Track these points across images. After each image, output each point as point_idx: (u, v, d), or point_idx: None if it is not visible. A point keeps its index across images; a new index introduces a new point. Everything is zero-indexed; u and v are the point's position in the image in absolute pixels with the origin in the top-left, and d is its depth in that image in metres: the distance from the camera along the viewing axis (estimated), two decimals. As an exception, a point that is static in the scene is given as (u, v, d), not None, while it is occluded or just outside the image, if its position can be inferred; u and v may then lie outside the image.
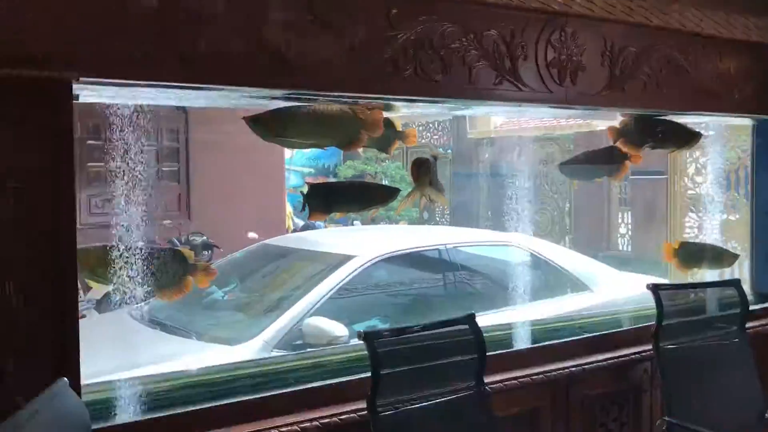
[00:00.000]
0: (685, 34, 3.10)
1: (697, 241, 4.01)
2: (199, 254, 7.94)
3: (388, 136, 2.59)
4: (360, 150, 12.34)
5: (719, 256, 3.81)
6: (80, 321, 1.85)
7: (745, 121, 3.85)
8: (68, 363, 1.80)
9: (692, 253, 3.80)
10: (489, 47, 2.51)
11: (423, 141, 13.12)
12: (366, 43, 2.24)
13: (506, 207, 4.58)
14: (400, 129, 2.68)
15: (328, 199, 2.57)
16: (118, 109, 2.15)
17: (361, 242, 5.01)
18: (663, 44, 3.03)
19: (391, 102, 2.46)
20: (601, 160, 3.47)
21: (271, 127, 2.25)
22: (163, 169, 9.42)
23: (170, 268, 2.20)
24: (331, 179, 14.97)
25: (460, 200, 12.08)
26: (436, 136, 12.98)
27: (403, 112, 2.75)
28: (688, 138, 3.47)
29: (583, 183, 10.32)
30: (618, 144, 3.39)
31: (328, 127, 2.36)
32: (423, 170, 2.70)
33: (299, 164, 14.97)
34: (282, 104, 2.33)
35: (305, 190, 2.53)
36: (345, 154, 14.01)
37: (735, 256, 3.85)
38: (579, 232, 10.62)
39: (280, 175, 10.52)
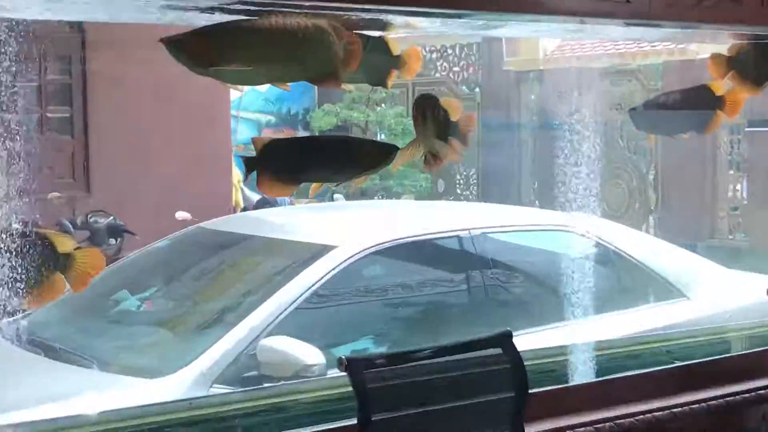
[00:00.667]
0: None
1: None
2: (103, 242, 7.96)
3: (380, 63, 2.59)
4: (346, 88, 12.33)
5: None
6: None
7: None
8: None
9: None
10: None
11: (438, 75, 13.12)
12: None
13: (561, 174, 4.61)
14: (398, 53, 2.67)
15: (291, 164, 2.54)
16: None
17: (344, 225, 5.02)
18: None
19: (386, 15, 2.46)
20: (685, 106, 3.49)
21: (202, 51, 2.23)
22: (48, 115, 9.42)
23: (31, 261, 2.18)
24: (300, 133, 14.99)
25: (493, 163, 12.09)
26: (458, 68, 12.96)
27: (405, 31, 2.75)
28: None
29: (672, 140, 10.33)
30: (729, 79, 3.39)
31: (292, 51, 2.34)
32: (428, 111, 2.70)
33: (253, 109, 14.95)
34: (221, 19, 2.32)
35: (255, 149, 2.51)
36: (320, 93, 13.99)
37: None
38: (669, 212, 10.65)
39: (223, 126, 10.49)
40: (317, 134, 12.59)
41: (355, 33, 2.43)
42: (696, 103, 3.47)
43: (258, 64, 2.32)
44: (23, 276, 2.20)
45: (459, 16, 2.60)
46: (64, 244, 2.31)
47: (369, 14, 2.44)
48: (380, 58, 2.57)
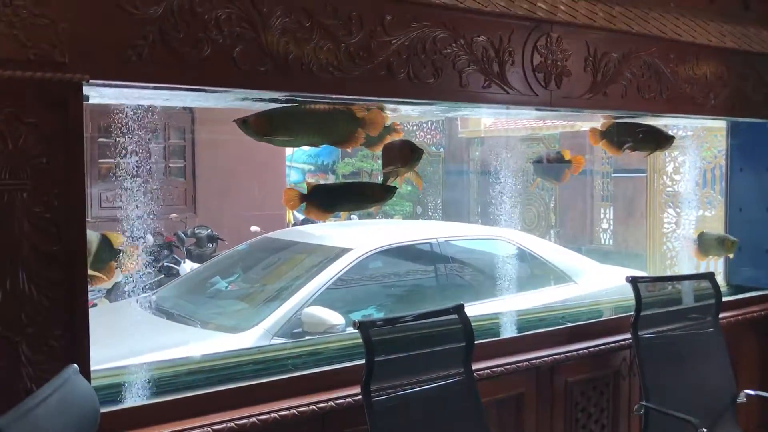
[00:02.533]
0: (665, 41, 3.10)
1: (711, 231, 4.05)
2: (204, 246, 7.95)
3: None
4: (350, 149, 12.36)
5: (725, 243, 3.86)
6: (90, 309, 1.85)
7: (721, 123, 3.86)
8: (78, 349, 1.80)
9: (707, 241, 3.86)
10: (478, 52, 2.51)
11: (417, 140, 13.12)
12: (362, 48, 2.25)
13: (495, 203, 4.59)
14: (387, 124, 2.66)
15: (327, 200, 2.58)
16: (127, 108, 2.15)
17: (357, 235, 5.02)
18: (643, 50, 3.03)
19: (384, 103, 2.46)
20: (552, 164, 3.51)
21: (259, 127, 2.25)
22: (171, 165, 9.42)
23: (100, 254, 2.14)
24: (330, 176, 15.00)
25: (452, 196, 12.11)
26: (429, 135, 12.98)
27: (397, 112, 2.76)
28: (663, 141, 3.49)
29: (570, 181, 10.36)
30: (602, 145, 3.39)
31: (320, 126, 2.36)
32: (414, 154, 2.68)
33: (300, 161, 14.97)
34: (276, 106, 2.33)
35: (306, 189, 2.55)
36: (343, 151, 14.04)
37: (735, 242, 3.87)
38: (563, 227, 10.64)
39: (281, 172, 10.53)
40: (342, 179, 12.60)
41: (337, 108, 2.40)
42: (557, 162, 3.49)
43: (295, 135, 2.34)
44: (93, 263, 2.11)
45: (429, 105, 2.61)
46: (117, 241, 2.17)
47: (372, 104, 2.45)
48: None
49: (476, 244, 5.17)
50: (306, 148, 11.19)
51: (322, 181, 14.79)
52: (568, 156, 3.42)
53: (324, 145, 2.47)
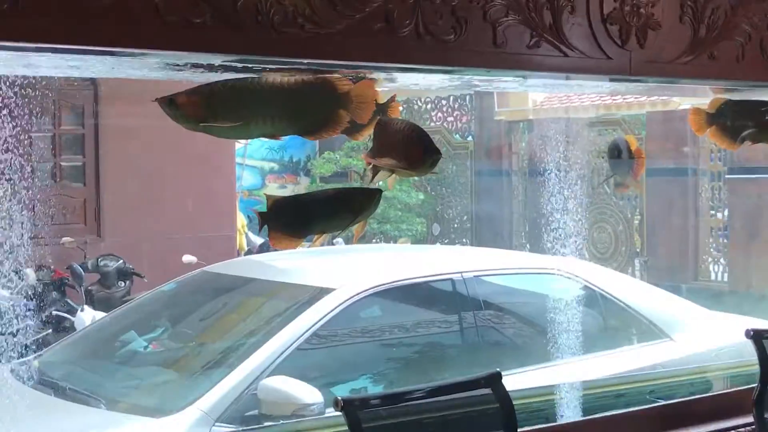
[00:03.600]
0: (801, -23, 3.12)
1: None
2: (113, 284, 7.95)
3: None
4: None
5: None
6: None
7: None
8: None
9: None
10: (521, -5, 2.53)
11: (432, 125, 13.20)
12: (347, -10, 2.26)
13: (550, 219, 4.61)
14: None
15: (295, 220, 2.61)
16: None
17: (342, 269, 5.02)
18: (769, -9, 3.05)
19: (380, 71, 2.47)
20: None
21: (193, 109, 2.27)
22: (62, 164, 9.45)
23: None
24: (302, 179, 15.04)
25: (486, 209, 12.12)
26: (451, 118, 13.03)
27: (396, 82, 2.77)
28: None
29: (662, 186, 10.41)
30: (709, 134, 3.40)
31: (282, 108, 2.38)
32: (426, 157, 2.69)
33: (257, 157, 14.99)
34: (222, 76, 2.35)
35: (264, 207, 2.57)
36: (321, 141, 14.05)
37: None
38: (654, 255, 10.65)
39: (228, 174, 10.54)
40: (319, 185, 12.66)
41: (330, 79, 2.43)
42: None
43: (248, 121, 2.36)
44: None
45: (447, 74, 2.62)
46: None
47: (361, 70, 2.47)
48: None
49: (522, 281, 5.16)
50: (264, 139, 11.21)
51: (290, 187, 14.75)
52: (634, 145, 3.43)
53: (289, 136, 2.48)
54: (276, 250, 9.42)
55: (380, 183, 2.77)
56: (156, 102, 2.27)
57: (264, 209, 2.60)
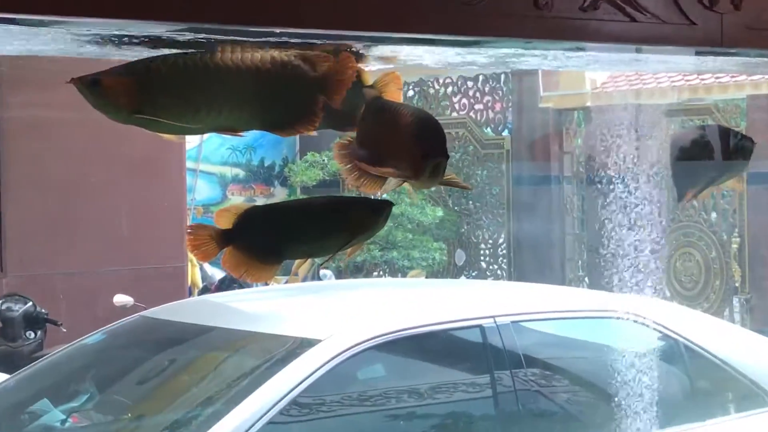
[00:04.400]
0: None
1: None
2: (19, 336, 7.95)
3: (352, 100, 2.59)
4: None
5: None
6: None
7: None
8: None
9: None
10: (572, -61, 2.56)
11: (455, 115, 13.23)
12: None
13: (616, 243, 4.63)
14: (370, 84, 2.65)
15: (270, 239, 2.64)
16: None
17: (332, 312, 5.02)
18: None
19: (372, 42, 2.50)
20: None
21: (122, 94, 2.30)
22: (-50, 172, 9.47)
23: None
24: (277, 190, 15.06)
25: (528, 229, 12.10)
26: (480, 105, 13.03)
27: (396, 59, 2.79)
28: None
29: (763, 199, 10.39)
30: None
31: (241, 93, 2.41)
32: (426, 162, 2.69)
33: (215, 161, 15.02)
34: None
35: (225, 218, 2.60)
36: (302, 139, 13.98)
37: None
38: (759, 291, 10.65)
39: (177, 184, 10.54)
40: (300, 195, 12.68)
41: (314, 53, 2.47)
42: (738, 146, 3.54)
43: (196, 110, 2.39)
44: None
45: (476, 44, 2.64)
46: None
47: (358, 42, 2.49)
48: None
49: (577, 328, 5.20)
50: (223, 135, 11.21)
51: (261, 200, 14.70)
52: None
53: (251, 131, 2.50)
54: (239, 285, 9.43)
55: (384, 196, 2.80)
56: (72, 84, 2.29)
57: (226, 224, 2.62)
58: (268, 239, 2.66)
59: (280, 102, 2.47)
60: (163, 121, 2.37)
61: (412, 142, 2.62)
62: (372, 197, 2.78)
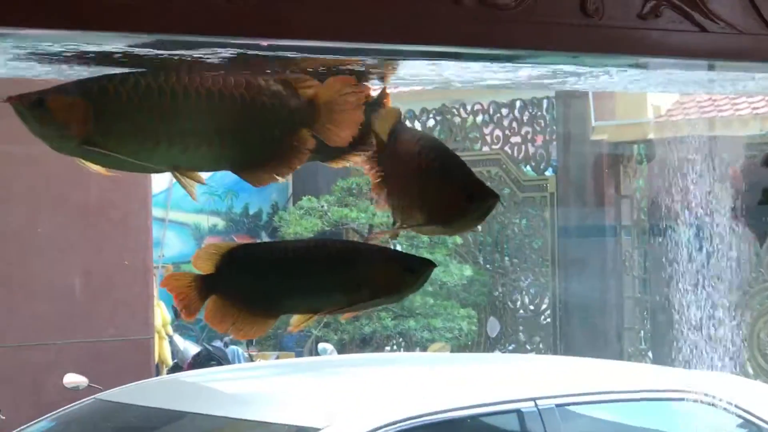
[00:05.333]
0: None
1: None
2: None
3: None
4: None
5: None
6: None
7: None
8: None
9: None
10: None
11: (486, 150, 13.27)
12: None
13: (687, 306, 4.65)
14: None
15: (265, 285, 2.66)
16: None
17: (336, 395, 5.03)
18: None
19: (379, 57, 2.52)
20: None
21: (75, 119, 2.31)
22: None
23: None
24: (265, 239, 15.04)
25: (577, 289, 12.08)
26: (518, 138, 13.05)
27: (393, 75, 2.81)
28: None
29: None
30: None
31: (212, 123, 2.42)
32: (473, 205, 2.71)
33: (189, 209, 15.04)
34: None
35: (205, 259, 2.61)
36: (296, 178, 13.97)
37: None
38: None
39: (141, 236, 10.56)
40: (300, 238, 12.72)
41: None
42: None
43: (157, 141, 2.40)
44: None
45: (511, 59, 2.66)
46: None
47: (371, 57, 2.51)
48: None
49: (640, 412, 5.22)
50: (207, 175, 11.23)
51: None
52: None
53: (222, 171, 2.53)
54: (218, 361, 9.43)
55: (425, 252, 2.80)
56: (8, 103, 2.30)
57: (208, 268, 2.62)
58: (262, 285, 2.67)
59: (255, 137, 2.48)
60: (115, 155, 2.38)
61: (445, 181, 2.66)
62: (415, 255, 2.78)
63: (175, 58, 2.37)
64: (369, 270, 2.71)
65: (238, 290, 2.63)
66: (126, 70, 2.41)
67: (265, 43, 2.34)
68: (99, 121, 2.33)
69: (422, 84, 2.94)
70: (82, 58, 2.35)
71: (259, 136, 2.48)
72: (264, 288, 2.66)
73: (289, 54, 2.44)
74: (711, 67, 2.86)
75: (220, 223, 15.18)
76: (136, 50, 2.32)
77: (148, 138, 2.39)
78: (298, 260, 2.74)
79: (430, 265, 2.72)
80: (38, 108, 2.31)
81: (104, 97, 2.35)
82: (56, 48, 2.29)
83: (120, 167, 2.44)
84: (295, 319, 2.74)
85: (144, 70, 2.38)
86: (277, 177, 2.50)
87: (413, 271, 2.72)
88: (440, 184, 2.64)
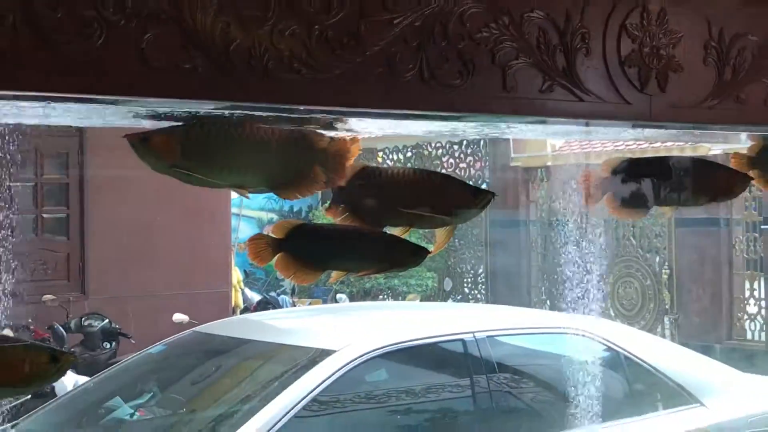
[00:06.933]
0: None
1: None
2: (97, 346, 7.93)
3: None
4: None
5: None
6: None
7: None
8: None
9: None
10: (532, 37, 2.56)
11: (444, 172, 13.21)
12: (346, 32, 2.30)
13: (569, 273, 4.62)
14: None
15: (317, 250, 2.63)
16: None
17: (346, 328, 5.03)
18: (799, 30, 3.08)
19: (382, 117, 2.50)
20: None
21: (167, 150, 2.29)
22: (44, 215, 9.46)
23: None
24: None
25: (502, 262, 12.11)
26: (464, 164, 13.07)
27: (407, 128, 2.79)
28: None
29: (692, 237, 10.40)
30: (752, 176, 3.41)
31: (256, 160, 2.40)
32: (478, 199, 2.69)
33: (255, 207, 15.05)
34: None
35: (276, 231, 2.58)
36: (324, 192, 13.93)
37: None
38: (684, 312, 10.62)
39: (223, 225, 10.55)
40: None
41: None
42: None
43: (220, 168, 2.37)
44: None
45: (453, 120, 2.65)
46: None
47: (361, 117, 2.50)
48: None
49: (539, 341, 5.20)
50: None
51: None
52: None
53: (262, 189, 2.49)
54: (273, 306, 9.37)
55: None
56: (126, 139, 2.29)
57: (281, 235, 2.59)
58: (315, 251, 2.63)
59: (282, 169, 2.44)
60: (194, 175, 2.36)
61: (457, 187, 2.67)
62: (416, 243, 2.76)
63: (234, 115, 2.36)
64: (387, 248, 2.71)
65: (299, 251, 2.59)
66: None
67: (302, 107, 2.34)
68: (183, 153, 2.31)
69: (399, 133, 2.91)
70: (173, 117, 2.34)
71: (287, 168, 2.45)
72: (315, 252, 2.63)
73: (318, 116, 2.44)
74: (587, 123, 2.84)
75: (275, 216, 15.12)
76: (213, 111, 2.32)
77: (216, 166, 2.37)
78: (340, 236, 2.72)
79: (426, 252, 2.71)
80: (143, 143, 2.30)
81: (187, 138, 2.33)
82: (161, 109, 2.28)
83: (198, 184, 2.43)
84: (334, 274, 2.74)
85: (214, 120, 2.37)
86: (299, 196, 2.48)
87: (416, 254, 2.70)
88: (449, 188, 2.65)
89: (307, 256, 2.60)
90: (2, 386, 2.21)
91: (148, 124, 2.36)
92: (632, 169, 3.30)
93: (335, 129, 2.55)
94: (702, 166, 3.41)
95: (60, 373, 2.24)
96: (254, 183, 2.47)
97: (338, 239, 2.71)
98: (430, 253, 2.73)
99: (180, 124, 2.35)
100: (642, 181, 3.30)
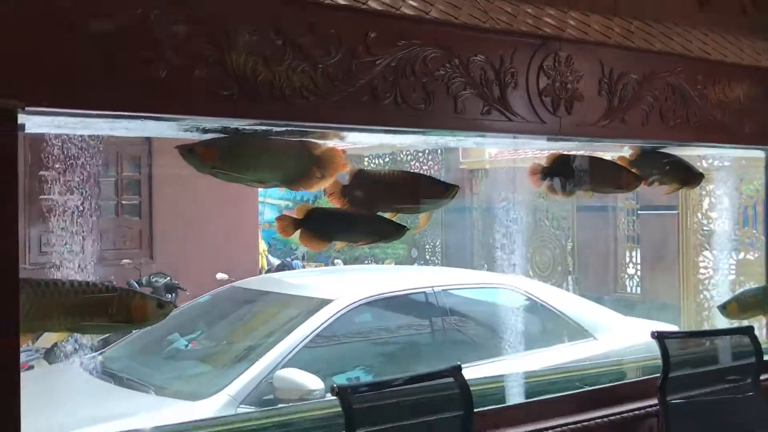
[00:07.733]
0: (691, 60, 3.17)
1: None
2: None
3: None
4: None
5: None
6: (26, 372, 1.84)
7: (759, 153, 3.91)
8: (6, 418, 1.79)
9: (744, 303, 3.71)
10: (476, 74, 2.56)
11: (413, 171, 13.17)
12: (341, 70, 2.29)
13: (502, 245, 4.61)
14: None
15: (326, 227, 2.63)
16: (71, 137, 2.17)
17: (341, 284, 5.02)
18: (667, 71, 3.09)
19: (367, 132, 2.50)
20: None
21: (208, 157, 2.28)
22: (124, 202, 9.42)
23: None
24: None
25: (453, 237, 12.13)
26: (426, 167, 13.06)
27: (385, 140, 2.78)
28: (691, 179, 3.53)
29: (589, 219, 10.43)
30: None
31: (271, 162, 2.40)
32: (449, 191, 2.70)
33: (275, 196, 15.01)
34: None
35: (297, 213, 2.58)
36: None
37: None
38: (583, 273, 10.65)
39: (253, 209, 10.54)
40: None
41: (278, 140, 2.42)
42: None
43: (246, 169, 2.37)
44: None
45: (420, 134, 2.65)
46: None
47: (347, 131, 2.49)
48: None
49: (479, 293, 5.17)
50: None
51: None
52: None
53: (276, 183, 2.49)
54: (288, 268, 9.28)
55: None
56: (177, 149, 2.28)
57: (301, 215, 2.59)
58: (325, 227, 2.63)
59: (290, 169, 2.45)
60: (230, 173, 2.35)
61: (434, 184, 2.67)
62: (398, 222, 2.76)
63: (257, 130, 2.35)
64: (381, 228, 2.71)
65: (315, 227, 2.60)
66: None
67: (309, 124, 2.33)
68: (221, 159, 2.30)
69: (381, 143, 2.90)
70: (213, 131, 2.33)
71: (294, 168, 2.45)
72: (326, 228, 2.63)
73: (317, 131, 2.43)
74: (515, 137, 2.85)
75: (290, 203, 15.05)
76: (244, 127, 2.30)
77: (245, 167, 2.36)
78: (344, 217, 2.71)
79: (405, 228, 2.72)
80: (190, 152, 2.29)
81: (223, 147, 2.32)
82: (204, 125, 2.27)
83: (231, 180, 2.42)
84: (338, 244, 2.75)
85: (243, 134, 2.35)
86: (304, 189, 2.49)
87: (399, 230, 2.72)
88: (428, 183, 2.67)
89: (319, 231, 2.62)
90: (123, 323, 2.24)
91: (195, 136, 2.35)
92: (564, 163, 3.32)
93: (329, 139, 2.55)
94: (612, 166, 3.42)
95: (164, 316, 2.26)
96: (271, 179, 2.48)
97: (343, 219, 2.71)
98: (411, 230, 2.75)
99: (218, 136, 2.35)
100: (570, 172, 3.32)
